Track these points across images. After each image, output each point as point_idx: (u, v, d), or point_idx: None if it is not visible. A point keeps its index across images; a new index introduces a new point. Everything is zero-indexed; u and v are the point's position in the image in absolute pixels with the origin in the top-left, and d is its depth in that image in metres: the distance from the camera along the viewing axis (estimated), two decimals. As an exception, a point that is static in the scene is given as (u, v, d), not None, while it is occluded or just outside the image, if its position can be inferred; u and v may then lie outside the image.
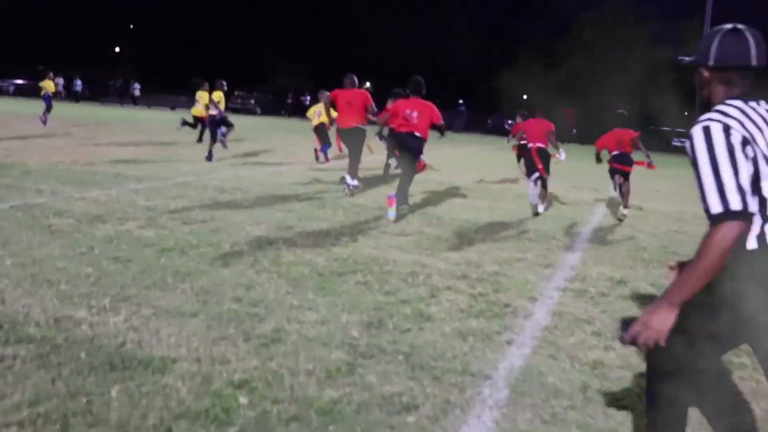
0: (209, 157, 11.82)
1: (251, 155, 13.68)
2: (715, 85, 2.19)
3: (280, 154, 14.47)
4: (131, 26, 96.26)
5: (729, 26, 2.17)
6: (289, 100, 49.44)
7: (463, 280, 4.93)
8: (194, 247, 5.22)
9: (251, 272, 4.66)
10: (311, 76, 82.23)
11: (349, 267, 4.98)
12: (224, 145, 13.57)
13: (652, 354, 2.18)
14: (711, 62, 2.16)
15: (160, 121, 26.05)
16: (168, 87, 71.02)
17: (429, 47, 66.60)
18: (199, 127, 15.59)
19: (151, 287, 4.17)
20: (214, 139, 12.45)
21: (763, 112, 2.11)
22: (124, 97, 48.95)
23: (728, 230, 1.93)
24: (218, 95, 12.91)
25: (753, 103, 2.13)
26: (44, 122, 17.47)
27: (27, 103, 34.64)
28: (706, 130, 2.03)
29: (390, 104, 10.12)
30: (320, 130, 13.18)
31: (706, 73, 2.20)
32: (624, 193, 8.74)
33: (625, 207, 8.70)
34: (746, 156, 1.99)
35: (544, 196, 8.71)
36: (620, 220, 8.47)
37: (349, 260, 5.18)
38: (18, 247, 4.85)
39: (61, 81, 48.85)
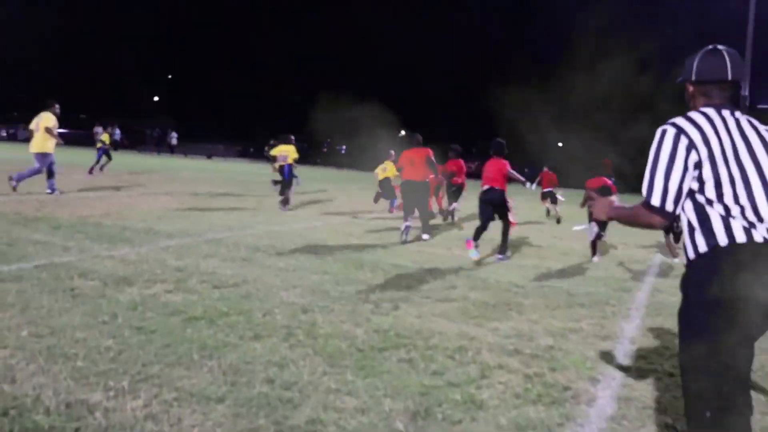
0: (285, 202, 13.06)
1: (276, 209, 13.46)
2: (697, 98, 2.51)
3: (315, 208, 14.23)
4: (169, 76, 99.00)
5: (709, 47, 2.48)
6: (324, 149, 49.67)
7: (515, 356, 4.49)
8: (224, 315, 4.88)
9: (285, 347, 4.28)
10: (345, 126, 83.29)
11: (390, 341, 4.57)
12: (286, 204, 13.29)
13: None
14: (693, 78, 2.51)
15: (195, 169, 26.27)
16: (205, 136, 72.36)
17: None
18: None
19: (175, 364, 3.82)
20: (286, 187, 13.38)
21: (733, 118, 2.38)
22: (161, 146, 49.68)
23: (645, 214, 2.45)
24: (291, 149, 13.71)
25: (726, 112, 2.39)
26: (93, 171, 17.94)
27: (65, 152, 35.28)
28: (662, 133, 2.39)
29: (452, 157, 13.35)
30: (385, 185, 14.74)
31: (690, 88, 2.54)
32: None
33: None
34: (686, 162, 2.32)
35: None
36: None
37: (390, 332, 4.78)
38: (37, 314, 4.56)
39: (99, 129, 50.00)
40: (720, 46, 2.46)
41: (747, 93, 21.46)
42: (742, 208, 2.26)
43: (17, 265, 6.06)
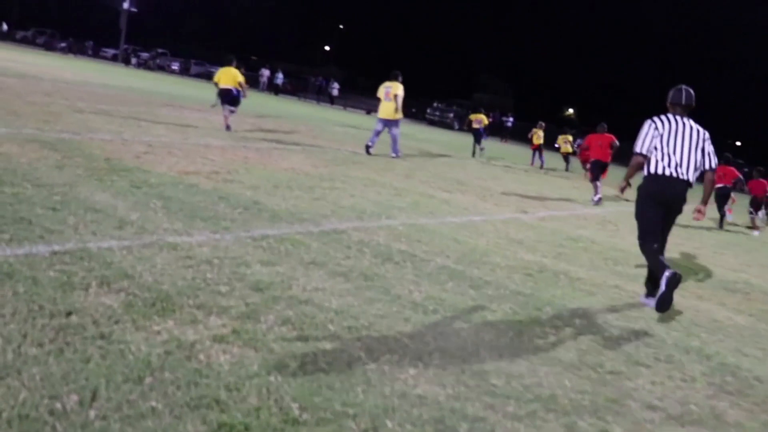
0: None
1: (440, 190, 11.06)
2: (668, 109, 5.76)
3: (475, 191, 11.74)
4: (341, 26, 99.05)
5: (678, 86, 5.78)
6: (491, 119, 46.53)
7: None
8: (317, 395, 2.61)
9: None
10: (514, 95, 79.47)
11: None
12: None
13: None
14: (667, 102, 5.79)
15: (348, 125, 24.44)
16: (368, 90, 71.41)
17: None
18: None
19: None
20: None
21: (681, 121, 5.64)
22: (321, 95, 48.84)
23: (635, 158, 5.72)
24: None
25: (678, 117, 5.66)
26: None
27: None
28: (646, 121, 5.74)
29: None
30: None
31: (667, 104, 5.81)
32: None
33: None
34: (652, 134, 5.61)
35: None
36: None
37: None
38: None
39: (266, 72, 50.22)
40: (682, 85, 5.78)
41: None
42: (667, 159, 5.55)
43: (19, 249, 4.14)
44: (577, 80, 79.51)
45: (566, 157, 23.53)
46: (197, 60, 60.56)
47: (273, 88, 48.91)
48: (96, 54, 61.84)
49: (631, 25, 79.18)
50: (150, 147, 9.42)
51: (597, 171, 13.96)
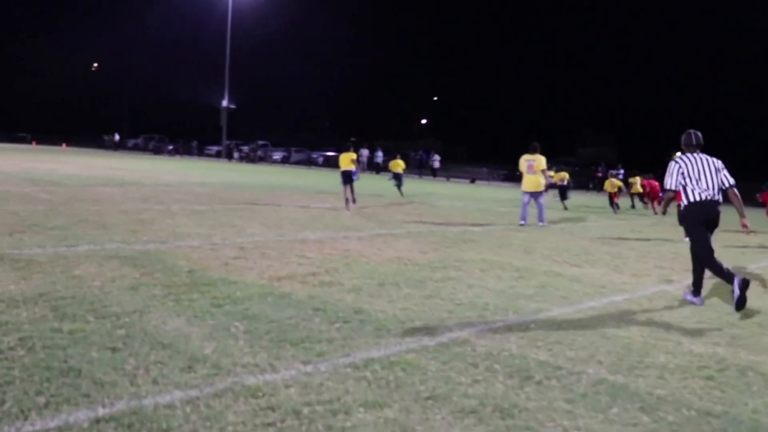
0: None
1: (567, 264, 9.72)
2: (684, 150, 7.34)
3: (605, 260, 10.27)
4: (435, 98, 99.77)
5: (688, 131, 7.36)
6: (599, 174, 44.36)
7: None
8: None
9: None
10: (618, 146, 76.55)
11: None
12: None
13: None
14: (682, 144, 7.40)
15: (454, 196, 23.37)
16: (471, 158, 70.64)
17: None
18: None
19: None
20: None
21: (697, 157, 7.21)
22: (423, 169, 48.31)
23: (668, 193, 7.46)
24: None
25: (695, 155, 7.23)
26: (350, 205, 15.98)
27: (314, 174, 35.07)
28: (673, 161, 7.32)
29: None
30: None
31: (683, 146, 7.40)
32: None
33: None
34: (679, 172, 7.19)
35: None
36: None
37: None
38: None
39: (365, 152, 50.42)
40: (692, 130, 7.33)
41: None
42: (695, 188, 7.04)
43: (53, 419, 3.20)
44: (681, 124, 76.11)
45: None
46: (297, 147, 61.86)
47: (374, 167, 48.93)
48: (201, 152, 64.38)
49: (739, 65, 75.66)
50: (241, 250, 8.65)
51: None
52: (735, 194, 7.27)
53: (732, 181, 7.20)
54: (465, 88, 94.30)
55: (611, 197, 23.25)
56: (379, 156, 49.81)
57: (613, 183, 23.40)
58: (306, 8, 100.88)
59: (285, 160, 58.95)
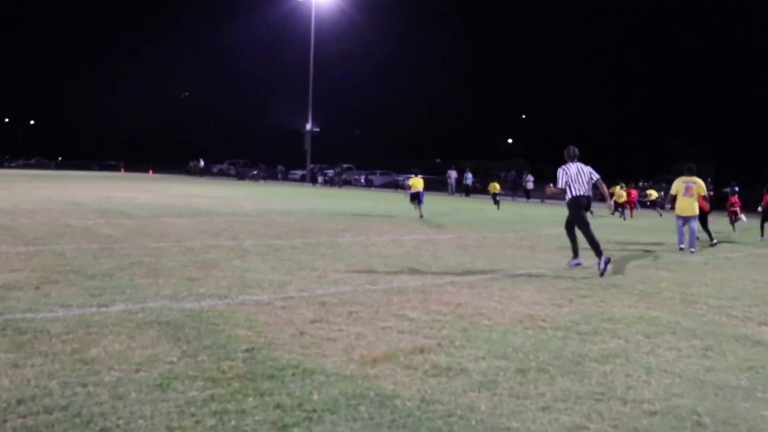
0: None
1: (757, 322, 7.26)
2: (566, 160, 10.43)
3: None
4: (523, 116, 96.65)
5: (569, 146, 10.53)
6: (710, 193, 40.50)
7: None
8: None
9: None
10: (714, 160, 71.41)
11: None
12: None
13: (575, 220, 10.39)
14: (565, 156, 10.53)
15: (558, 222, 20.60)
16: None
17: None
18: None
19: None
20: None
21: (575, 165, 10.32)
22: (516, 190, 45.61)
23: (557, 190, 10.48)
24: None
25: (573, 164, 10.33)
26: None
27: (400, 199, 32.99)
28: (560, 168, 10.41)
29: None
30: None
31: (565, 158, 10.52)
32: None
33: None
34: (565, 176, 10.23)
35: None
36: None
37: None
38: None
39: (453, 174, 48.22)
40: (571, 147, 10.51)
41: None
42: (574, 187, 10.13)
43: None
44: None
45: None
46: (383, 170, 60.26)
47: (463, 190, 46.67)
48: (285, 177, 63.64)
49: None
50: (322, 307, 6.61)
51: None
52: (601, 184, 10.73)
53: (597, 175, 10.54)
54: (552, 106, 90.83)
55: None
56: (469, 178, 47.51)
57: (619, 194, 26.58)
58: (387, 31, 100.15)
59: (369, 184, 57.38)
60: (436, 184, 52.91)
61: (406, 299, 7.27)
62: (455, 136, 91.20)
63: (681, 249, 14.14)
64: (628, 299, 8.02)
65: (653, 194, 34.30)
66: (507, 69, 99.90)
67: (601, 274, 9.62)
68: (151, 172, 74.17)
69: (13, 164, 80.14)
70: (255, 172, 64.39)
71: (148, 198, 24.72)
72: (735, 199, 22.61)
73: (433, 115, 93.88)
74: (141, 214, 17.10)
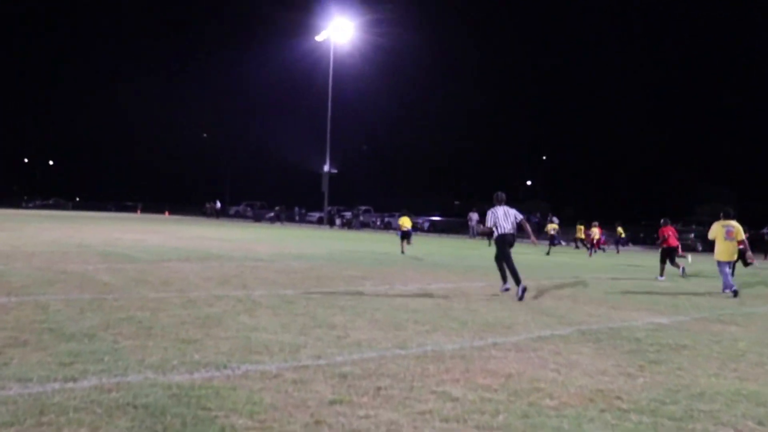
0: None
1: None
2: (495, 203, 12.04)
3: None
4: (543, 157, 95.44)
5: (497, 192, 12.15)
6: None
7: None
8: None
9: None
10: (741, 200, 69.52)
11: None
12: None
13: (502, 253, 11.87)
14: (494, 200, 12.11)
15: (597, 267, 19.25)
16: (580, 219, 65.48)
17: None
18: None
19: None
20: None
21: (502, 208, 11.92)
22: (540, 233, 44.04)
23: (486, 229, 12.44)
24: None
25: (500, 207, 11.92)
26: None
27: (421, 242, 31.71)
28: (489, 211, 12.09)
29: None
30: None
31: (494, 201, 12.14)
32: None
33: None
34: (493, 217, 11.82)
35: None
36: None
37: None
38: None
39: (474, 216, 46.83)
40: (499, 192, 12.12)
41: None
42: (501, 226, 11.68)
43: None
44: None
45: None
46: (401, 212, 59.00)
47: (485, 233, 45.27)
48: (303, 219, 62.63)
49: None
50: (343, 381, 5.34)
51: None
52: (524, 223, 12.26)
53: (521, 216, 12.15)
54: (575, 147, 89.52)
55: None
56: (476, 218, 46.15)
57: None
58: (404, 72, 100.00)
59: (387, 226, 56.18)
60: (456, 226, 51.59)
61: (444, 368, 5.98)
62: (474, 178, 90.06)
63: (735, 292, 13.47)
64: (709, 365, 6.68)
65: (621, 232, 36.00)
66: (527, 109, 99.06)
67: (520, 299, 11.15)
68: (167, 213, 73.52)
69: (30, 204, 79.96)
70: (272, 215, 63.51)
71: (158, 240, 23.64)
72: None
73: (452, 157, 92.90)
74: (147, 258, 15.96)
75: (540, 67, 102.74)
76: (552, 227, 35.05)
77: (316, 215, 62.85)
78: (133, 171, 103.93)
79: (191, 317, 7.92)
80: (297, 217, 62.80)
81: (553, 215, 45.04)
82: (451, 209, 65.35)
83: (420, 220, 55.63)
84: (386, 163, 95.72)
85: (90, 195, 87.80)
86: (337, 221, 56.29)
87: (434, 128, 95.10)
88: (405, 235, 22.97)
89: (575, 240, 36.73)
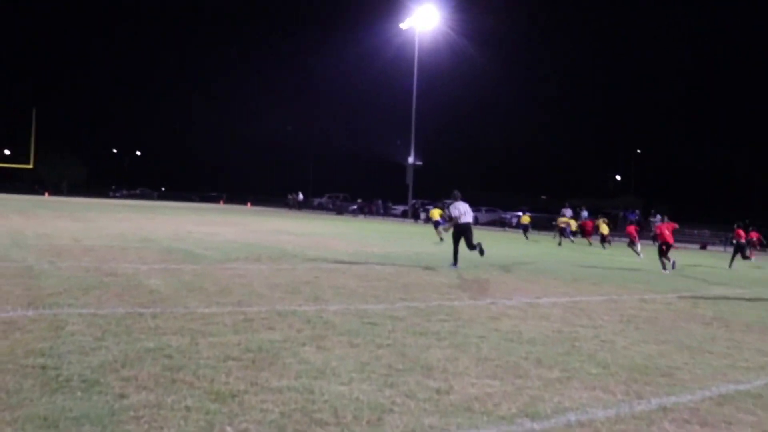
0: None
1: None
2: (454, 199, 15.71)
3: None
4: (638, 150, 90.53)
5: (454, 191, 15.87)
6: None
7: None
8: None
9: None
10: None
11: None
12: None
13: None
14: (452, 197, 15.92)
15: (736, 280, 16.41)
16: (677, 217, 61.25)
17: None
18: None
19: None
20: None
21: (461, 202, 15.49)
22: (642, 231, 40.77)
23: (452, 219, 15.59)
24: None
25: (460, 201, 15.50)
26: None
27: (511, 240, 29.13)
28: (452, 205, 15.72)
29: None
30: None
31: (453, 198, 15.90)
32: None
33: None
34: (455, 209, 15.39)
35: None
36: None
37: None
38: None
39: (568, 212, 43.76)
40: (456, 190, 15.79)
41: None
42: (461, 216, 15.29)
43: None
44: None
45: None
46: (488, 207, 56.49)
47: (579, 229, 42.26)
48: (386, 212, 60.87)
49: None
50: None
51: None
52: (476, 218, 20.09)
53: (471, 211, 15.99)
54: (666, 141, 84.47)
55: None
56: (584, 216, 43.08)
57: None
58: (493, 64, 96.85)
59: (474, 221, 53.64)
60: (545, 223, 47.48)
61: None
62: (562, 172, 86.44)
63: None
64: None
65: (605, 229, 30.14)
66: (617, 101, 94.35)
67: (450, 266, 15.07)
68: (249, 204, 73.16)
69: (117, 194, 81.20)
70: (354, 207, 61.98)
71: (231, 234, 22.11)
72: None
73: (538, 150, 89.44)
74: (212, 256, 14.26)
75: (625, 63, 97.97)
76: (563, 220, 33.00)
77: (400, 208, 60.92)
78: (218, 162, 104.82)
79: (240, 350, 5.97)
80: (381, 210, 61.05)
81: (567, 207, 41.70)
82: (538, 205, 62.18)
83: (507, 215, 52.87)
84: (472, 157, 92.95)
85: (176, 185, 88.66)
86: (422, 215, 54.20)
87: (520, 121, 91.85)
88: (436, 225, 26.53)
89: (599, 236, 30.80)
